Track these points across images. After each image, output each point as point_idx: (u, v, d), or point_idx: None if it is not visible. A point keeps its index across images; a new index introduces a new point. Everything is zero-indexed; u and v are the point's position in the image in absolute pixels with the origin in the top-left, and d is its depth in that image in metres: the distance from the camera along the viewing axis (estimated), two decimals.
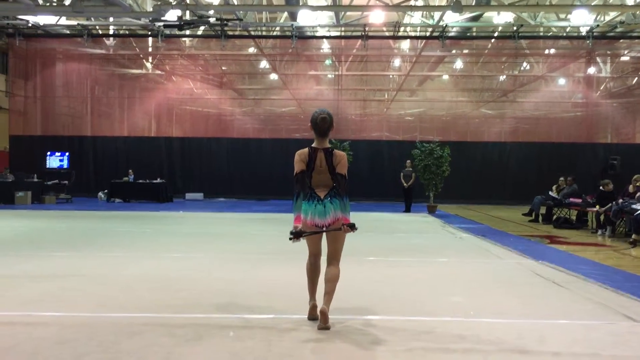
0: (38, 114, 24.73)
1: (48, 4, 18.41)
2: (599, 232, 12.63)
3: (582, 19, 20.04)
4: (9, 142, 24.01)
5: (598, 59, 25.07)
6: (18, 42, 23.16)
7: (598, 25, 20.82)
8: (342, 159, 4.65)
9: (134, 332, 4.37)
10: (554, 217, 15.24)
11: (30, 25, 21.81)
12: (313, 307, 4.69)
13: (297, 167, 4.63)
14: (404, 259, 8.40)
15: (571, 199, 15.10)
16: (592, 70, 25.42)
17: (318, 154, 4.62)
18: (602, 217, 12.66)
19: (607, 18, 20.51)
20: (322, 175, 4.61)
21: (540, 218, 15.76)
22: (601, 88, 26.84)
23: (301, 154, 4.66)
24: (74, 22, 21.66)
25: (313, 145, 4.70)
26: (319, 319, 4.54)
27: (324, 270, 4.75)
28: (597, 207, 12.80)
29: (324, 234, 4.65)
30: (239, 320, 4.76)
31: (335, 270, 4.65)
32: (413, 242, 10.57)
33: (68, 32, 23.35)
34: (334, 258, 4.70)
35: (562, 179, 16.27)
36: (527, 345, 4.20)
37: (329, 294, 4.54)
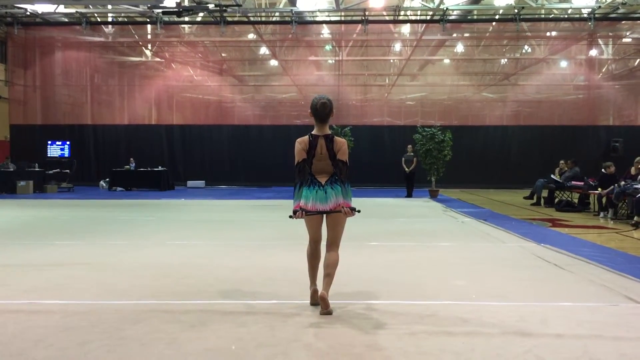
0: (38, 103, 24.72)
1: None
2: (601, 214, 12.63)
3: (583, 1, 19.90)
4: (9, 132, 24.02)
5: (600, 41, 24.94)
6: (16, 31, 23.07)
7: (600, 7, 20.68)
8: (342, 146, 4.64)
9: (138, 318, 4.38)
10: (556, 200, 15.22)
11: (28, 13, 21.73)
12: (314, 292, 4.71)
13: (298, 157, 4.63)
14: (406, 243, 8.41)
15: (573, 182, 15.08)
16: (593, 52, 25.30)
17: (319, 141, 4.62)
18: (604, 200, 12.65)
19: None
20: (322, 162, 4.61)
21: (542, 201, 15.76)
22: (603, 70, 26.71)
23: (302, 142, 4.64)
24: (72, 10, 21.57)
25: (313, 132, 4.69)
26: (317, 302, 4.59)
27: (323, 255, 4.77)
28: (600, 189, 12.79)
29: (324, 219, 4.68)
30: (242, 306, 4.78)
31: (334, 255, 4.67)
32: (415, 226, 10.58)
33: (66, 20, 23.24)
34: (333, 243, 4.72)
35: (562, 161, 16.25)
36: (530, 328, 4.21)
37: (328, 279, 4.56)
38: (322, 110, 4.65)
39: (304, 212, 4.54)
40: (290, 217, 4.58)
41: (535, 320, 4.41)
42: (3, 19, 22.54)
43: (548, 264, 6.76)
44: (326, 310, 4.51)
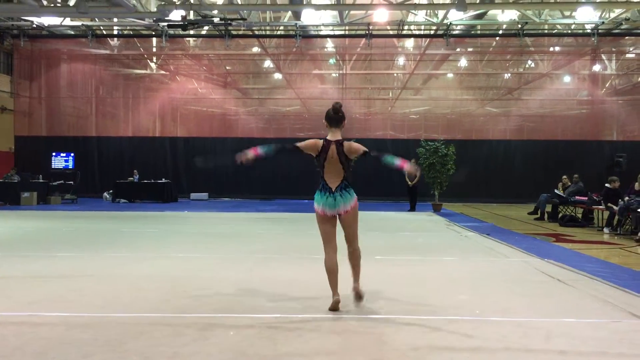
0: (43, 115, 24.84)
1: (52, 5, 18.42)
2: (605, 230, 12.59)
3: (587, 16, 19.97)
4: (14, 143, 24.11)
5: (603, 56, 24.99)
6: (23, 43, 23.24)
7: (603, 22, 20.72)
8: (351, 146, 4.96)
9: (141, 331, 4.37)
10: (560, 215, 15.20)
11: (34, 26, 21.88)
12: (336, 302, 4.92)
13: (301, 143, 5.01)
14: (409, 257, 8.40)
15: (577, 197, 15.06)
16: (597, 67, 25.34)
17: (331, 146, 4.93)
18: (607, 214, 12.63)
19: (612, 15, 20.43)
20: (333, 166, 4.94)
21: (546, 216, 15.73)
22: (607, 85, 26.73)
23: (315, 143, 4.98)
24: (78, 23, 21.71)
25: (327, 137, 5.00)
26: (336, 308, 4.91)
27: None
28: (609, 205, 12.68)
29: (338, 222, 5.06)
30: (245, 319, 4.76)
31: (355, 252, 5.12)
32: (418, 241, 10.56)
33: (72, 32, 23.40)
34: (352, 240, 5.11)
35: (565, 177, 16.23)
36: (533, 344, 4.19)
37: (355, 271, 5.08)
38: (334, 113, 4.99)
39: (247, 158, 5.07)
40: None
41: (539, 336, 4.39)
42: (9, 31, 22.71)
43: (551, 279, 6.73)
44: (359, 302, 5.00)
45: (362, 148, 4.98)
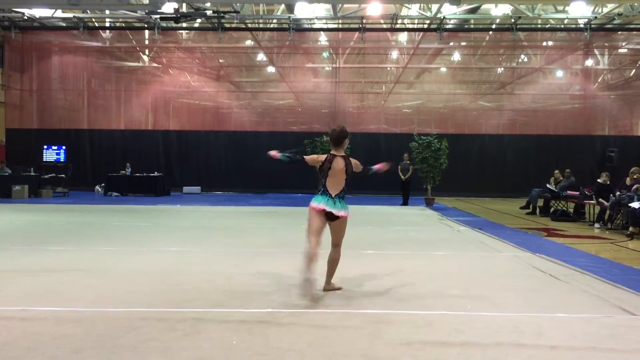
0: (34, 107, 24.65)
1: None
2: (596, 224, 12.66)
3: (580, 11, 20.03)
4: (5, 136, 23.95)
5: (596, 51, 25.04)
6: (14, 35, 23.05)
7: (596, 17, 20.78)
8: (354, 161, 5.73)
9: (132, 326, 4.36)
10: (552, 209, 15.26)
11: (26, 17, 21.71)
12: (306, 281, 5.27)
13: (307, 157, 5.78)
14: (402, 252, 8.41)
15: (569, 192, 15.11)
16: (589, 62, 25.40)
17: (336, 159, 5.61)
18: (598, 209, 12.70)
19: (605, 10, 20.48)
20: (336, 177, 5.58)
21: (537, 211, 15.79)
22: (599, 80, 26.81)
23: (318, 158, 5.72)
24: (70, 15, 21.56)
25: (331, 152, 5.70)
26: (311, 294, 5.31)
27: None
28: (600, 199, 12.76)
29: (329, 226, 5.59)
30: (237, 314, 4.77)
31: (337, 253, 5.67)
32: (410, 235, 10.58)
33: (64, 24, 23.22)
34: (337, 244, 5.67)
35: (557, 171, 16.30)
36: (525, 339, 4.22)
37: (330, 272, 5.67)
38: (338, 136, 5.71)
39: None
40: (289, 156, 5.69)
41: (530, 330, 4.41)
42: (0, 23, 22.51)
43: (543, 274, 6.76)
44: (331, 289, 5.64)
45: (360, 165, 5.78)
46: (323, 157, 5.68)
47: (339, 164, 5.58)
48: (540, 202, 15.85)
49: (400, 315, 4.81)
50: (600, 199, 12.80)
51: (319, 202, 5.51)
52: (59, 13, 21.07)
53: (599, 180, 13.32)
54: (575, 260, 7.75)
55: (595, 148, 23.17)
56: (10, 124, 24.04)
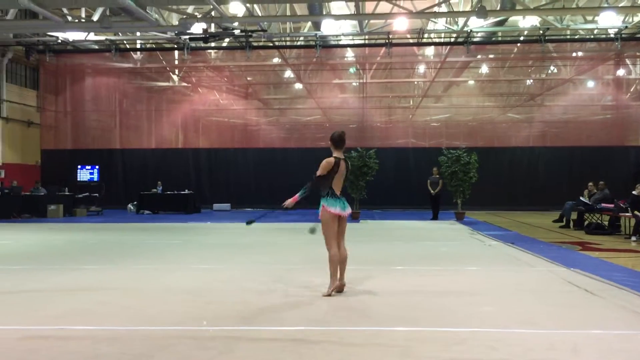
0: (68, 128, 25.30)
1: (77, 21, 18.79)
2: (633, 238, 12.37)
3: (609, 21, 19.73)
4: (40, 156, 24.57)
5: (627, 61, 24.66)
6: (48, 58, 23.74)
7: (626, 27, 20.48)
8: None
9: (166, 345, 4.42)
10: (586, 223, 14.98)
11: (59, 41, 22.30)
12: (342, 285, 6.24)
13: (323, 171, 6.09)
14: (433, 267, 8.35)
15: (603, 204, 14.82)
16: (621, 72, 25.00)
17: (341, 162, 6.16)
18: (634, 222, 12.41)
19: (636, 19, 20.19)
20: (341, 178, 6.17)
21: (571, 224, 15.52)
22: (631, 90, 26.32)
23: (330, 162, 6.11)
24: (102, 38, 22.09)
25: (335, 155, 6.19)
26: (341, 290, 6.24)
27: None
28: (636, 212, 12.48)
29: (338, 224, 6.20)
30: (269, 332, 4.78)
31: (345, 250, 6.34)
32: (441, 250, 10.49)
33: (96, 47, 23.81)
34: (343, 240, 6.34)
35: (591, 183, 16.01)
36: (561, 357, 4.14)
37: (343, 270, 6.27)
38: (340, 137, 6.22)
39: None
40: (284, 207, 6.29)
41: (566, 348, 4.33)
42: (35, 47, 23.19)
43: (578, 289, 6.63)
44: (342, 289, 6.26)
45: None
46: (332, 160, 6.11)
47: (342, 166, 6.16)
48: (574, 215, 15.59)
49: (432, 332, 4.77)
50: (636, 211, 12.52)
51: (335, 207, 6.07)
52: (92, 36, 21.59)
53: (634, 192, 13.03)
54: (611, 274, 7.58)
55: (629, 159, 22.74)
56: (45, 144, 24.69)
